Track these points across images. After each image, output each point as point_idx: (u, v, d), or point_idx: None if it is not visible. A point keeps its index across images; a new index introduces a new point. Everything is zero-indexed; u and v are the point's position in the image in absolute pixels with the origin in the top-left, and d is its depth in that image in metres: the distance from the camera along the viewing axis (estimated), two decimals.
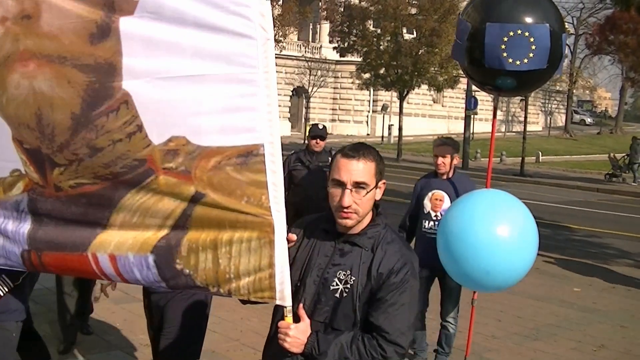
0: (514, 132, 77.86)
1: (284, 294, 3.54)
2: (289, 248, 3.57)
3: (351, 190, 3.54)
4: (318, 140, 10.24)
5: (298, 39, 69.23)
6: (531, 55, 6.51)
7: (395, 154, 47.50)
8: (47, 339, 7.00)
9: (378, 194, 3.68)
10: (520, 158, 42.11)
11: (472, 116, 46.96)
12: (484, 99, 74.44)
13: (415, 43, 44.11)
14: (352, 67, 54.96)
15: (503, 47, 6.53)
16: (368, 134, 71.51)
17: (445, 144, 7.87)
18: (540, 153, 53.35)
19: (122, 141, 3.59)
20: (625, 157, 41.48)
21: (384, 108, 64.99)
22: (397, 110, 49.36)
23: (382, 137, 64.28)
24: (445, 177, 7.88)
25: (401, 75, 44.36)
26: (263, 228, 3.49)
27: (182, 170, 3.53)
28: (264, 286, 3.52)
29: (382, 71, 45.61)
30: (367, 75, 48.50)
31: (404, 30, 46.09)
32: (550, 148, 60.79)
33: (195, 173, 3.51)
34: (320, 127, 10.51)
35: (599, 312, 11.25)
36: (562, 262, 15.01)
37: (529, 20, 6.59)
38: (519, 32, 6.48)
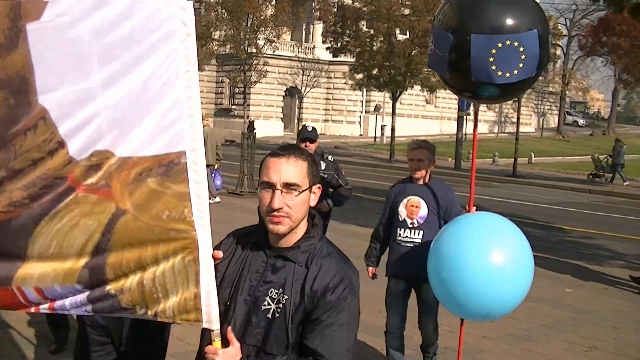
0: (506, 133, 77.95)
1: (210, 317, 3.26)
2: (217, 265, 3.32)
3: (282, 192, 3.24)
4: (307, 143, 9.72)
5: (291, 39, 69.26)
6: (521, 65, 6.00)
7: (387, 155, 47.64)
8: (38, 339, 6.98)
9: (312, 200, 3.39)
10: (513, 159, 42.19)
11: (464, 117, 46.96)
12: None
13: (408, 44, 44.17)
14: (345, 68, 55.01)
15: (491, 59, 5.93)
16: (361, 135, 71.55)
17: (420, 147, 7.44)
18: (532, 154, 53.41)
19: (43, 160, 3.25)
20: (608, 158, 41.88)
21: (377, 109, 65.03)
22: (390, 110, 49.39)
23: (375, 137, 64.34)
24: (421, 182, 7.41)
25: (394, 76, 44.40)
26: (186, 245, 3.22)
27: (102, 185, 3.24)
28: (189, 307, 3.24)
29: (375, 72, 45.67)
30: (360, 76, 48.53)
31: (397, 31, 46.14)
32: (543, 149, 60.86)
33: (116, 187, 3.23)
34: (310, 129, 10.03)
35: (591, 313, 11.26)
36: (554, 263, 15.01)
37: (517, 28, 5.98)
38: (508, 42, 5.92)
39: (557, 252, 16.46)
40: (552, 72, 68.13)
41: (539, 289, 12.35)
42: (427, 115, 75.49)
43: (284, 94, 69.48)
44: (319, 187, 3.42)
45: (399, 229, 7.35)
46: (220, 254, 3.35)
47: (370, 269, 7.76)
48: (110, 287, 3.25)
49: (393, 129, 47.63)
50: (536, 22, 6.05)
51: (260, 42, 50.56)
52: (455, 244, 6.18)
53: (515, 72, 5.93)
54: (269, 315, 3.29)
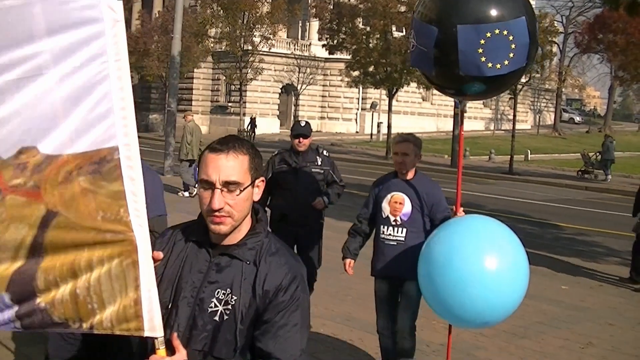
0: (502, 130, 78.00)
1: (153, 323, 2.97)
2: (155, 267, 3.01)
3: (222, 191, 3.02)
4: (301, 139, 9.19)
5: (287, 37, 69.27)
6: (512, 55, 5.66)
7: (384, 152, 47.68)
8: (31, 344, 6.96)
9: (256, 194, 3.19)
10: (509, 156, 42.23)
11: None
12: None
13: (404, 41, 44.09)
14: (342, 65, 55.12)
15: (480, 50, 5.58)
16: (357, 132, 71.55)
17: (406, 140, 7.09)
18: (529, 151, 53.45)
19: None
20: (597, 154, 42.10)
21: (373, 106, 65.00)
22: (386, 108, 49.41)
23: (371, 134, 64.32)
24: (406, 177, 7.09)
25: (390, 73, 44.41)
26: (124, 247, 2.93)
27: (31, 187, 2.99)
28: (129, 315, 2.94)
29: (371, 69, 45.67)
30: (356, 73, 48.54)
31: (394, 28, 46.17)
32: (539, 146, 60.91)
33: (46, 188, 2.97)
34: (303, 124, 9.44)
35: (587, 310, 11.27)
36: (550, 260, 15.02)
37: (505, 16, 5.62)
38: (497, 31, 5.57)
39: (553, 249, 16.46)
40: (548, 69, 68.07)
41: (535, 286, 12.33)
42: (423, 112, 75.47)
43: (280, 91, 69.43)
44: (262, 181, 3.21)
45: (382, 226, 7.10)
46: (160, 254, 3.05)
47: (347, 260, 7.37)
48: (41, 300, 2.97)
49: (389, 126, 47.64)
50: (523, 10, 5.77)
51: (256, 39, 50.58)
52: (452, 249, 5.87)
53: (506, 62, 5.65)
54: (216, 318, 3.10)
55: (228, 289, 3.11)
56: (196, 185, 22.43)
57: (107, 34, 2.90)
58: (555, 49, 62.54)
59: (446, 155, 47.15)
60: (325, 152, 9.58)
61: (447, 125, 64.94)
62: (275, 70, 65.19)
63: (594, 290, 12.71)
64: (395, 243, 6.97)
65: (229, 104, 67.96)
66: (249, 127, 60.39)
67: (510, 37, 5.64)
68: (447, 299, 5.78)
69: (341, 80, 58.86)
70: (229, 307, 3.09)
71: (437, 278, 5.83)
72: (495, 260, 5.69)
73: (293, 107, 68.54)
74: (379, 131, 62.99)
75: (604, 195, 32.71)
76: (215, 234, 3.14)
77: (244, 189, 3.06)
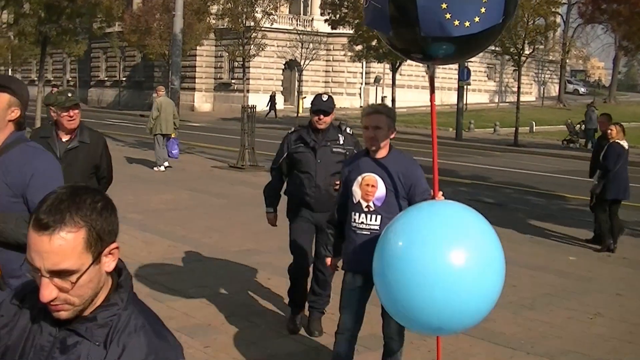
0: (507, 102, 77.77)
1: None
2: None
3: (52, 279, 2.29)
4: (321, 116, 7.96)
5: (289, 12, 69.04)
6: (483, 10, 4.69)
7: None
8: None
9: (108, 264, 2.48)
10: (514, 128, 42.09)
11: (465, 87, 46.91)
12: (477, 69, 74.43)
13: None
14: (344, 40, 54.93)
15: (444, 6, 4.63)
16: (361, 106, 71.13)
17: (377, 111, 6.02)
18: (534, 123, 53.35)
19: None
20: (582, 123, 42.83)
21: (377, 80, 64.85)
22: (390, 82, 49.27)
23: None
24: (378, 155, 6.03)
25: None
26: None
27: None
28: None
29: (374, 43, 45.41)
30: (359, 48, 48.41)
31: None
32: (543, 118, 60.73)
33: None
34: (325, 98, 8.08)
35: (594, 280, 11.25)
36: (557, 232, 15.00)
37: None
38: None
39: (559, 220, 16.43)
40: (552, 40, 67.75)
41: (542, 258, 12.37)
42: (427, 86, 73.37)
43: (283, 67, 69.31)
44: (116, 247, 2.54)
45: (353, 214, 6.05)
46: None
47: (327, 259, 6.51)
48: None
49: (393, 100, 47.45)
50: None
51: (258, 15, 50.33)
52: (406, 239, 4.90)
53: (477, 19, 4.70)
54: None
55: None
56: (175, 158, 23.56)
57: None
58: (558, 19, 62.21)
59: (451, 129, 47.02)
60: (348, 130, 8.37)
61: (452, 98, 64.64)
62: (278, 46, 65.00)
63: (601, 261, 12.69)
64: (369, 232, 5.92)
65: (232, 81, 67.86)
66: (269, 104, 60.30)
67: None
68: (399, 298, 4.83)
69: (344, 55, 58.88)
70: None
71: (389, 273, 4.88)
72: (462, 257, 4.71)
73: (297, 83, 68.38)
74: None
75: None
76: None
77: (82, 274, 2.33)
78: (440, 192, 5.66)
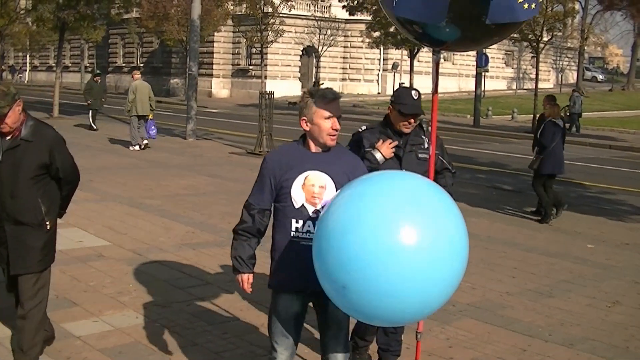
0: (525, 89, 77.44)
1: None
2: None
3: None
4: (411, 119, 6.41)
5: None
6: None
7: None
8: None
9: None
10: (532, 115, 41.94)
11: (483, 74, 46.78)
12: (495, 56, 74.16)
13: None
14: (362, 26, 54.77)
15: None
16: (379, 93, 71.22)
17: (338, 97, 5.06)
18: None
19: None
20: (566, 108, 42.89)
21: (395, 66, 64.72)
22: (408, 68, 49.17)
23: None
24: (318, 149, 5.04)
25: None
26: None
27: None
28: None
29: (392, 29, 45.30)
30: (377, 34, 48.33)
31: None
32: (561, 105, 60.48)
33: None
34: (415, 96, 6.41)
35: (612, 268, 11.22)
36: (575, 219, 14.97)
37: None
38: None
39: (577, 207, 16.38)
40: (570, 27, 67.39)
41: (560, 245, 12.35)
42: (445, 72, 74.84)
43: (301, 53, 69.17)
44: None
45: (293, 221, 4.93)
46: None
47: (245, 276, 5.13)
48: None
49: (411, 87, 47.33)
50: None
51: (276, 1, 50.22)
52: (351, 214, 4.21)
53: (533, 5, 4.61)
54: None
55: None
56: (152, 138, 25.01)
57: None
58: (577, 6, 61.85)
59: (468, 115, 46.91)
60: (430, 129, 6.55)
61: (469, 85, 64.45)
62: (295, 33, 64.83)
63: (619, 248, 12.65)
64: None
65: (250, 67, 67.81)
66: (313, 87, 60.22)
67: None
68: (339, 281, 4.19)
69: (362, 42, 58.67)
70: None
71: (329, 253, 4.23)
72: (414, 234, 4.04)
73: (314, 69, 68.31)
74: None
75: (628, 154, 32.49)
76: None
77: None
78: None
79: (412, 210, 4.14)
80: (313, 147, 5.02)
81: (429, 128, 6.39)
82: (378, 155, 6.34)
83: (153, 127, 25.32)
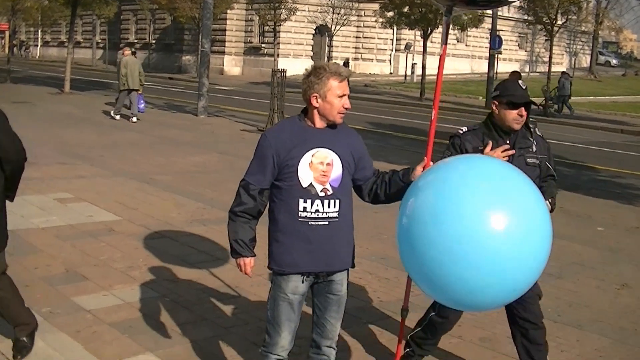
0: (537, 72, 77.17)
1: None
2: None
3: None
4: (522, 110, 5.75)
5: None
6: None
7: (418, 93, 47.48)
8: None
9: None
10: (544, 99, 41.86)
11: (496, 56, 46.62)
12: (509, 38, 73.87)
13: None
14: (376, 6, 54.67)
15: None
16: (391, 73, 71.13)
17: (349, 76, 5.01)
18: None
19: None
20: (555, 89, 43.22)
21: (408, 47, 64.50)
22: (421, 49, 48.99)
23: (405, 76, 63.91)
24: (323, 125, 4.92)
25: (425, 14, 43.82)
26: None
27: None
28: None
29: (406, 9, 45.15)
30: (390, 14, 48.09)
31: None
32: (574, 89, 60.09)
33: None
34: (524, 86, 5.86)
35: (622, 251, 11.21)
36: (585, 202, 14.96)
37: None
38: None
39: (588, 191, 16.36)
40: (585, 11, 67.06)
41: (570, 228, 12.33)
42: (457, 54, 74.68)
43: (313, 32, 68.98)
44: None
45: (301, 201, 4.77)
46: None
47: (248, 260, 5.02)
48: None
49: (424, 67, 47.23)
50: None
51: None
52: (444, 202, 4.29)
53: None
54: None
55: None
56: (141, 112, 25.92)
57: None
58: None
59: (480, 97, 46.85)
60: (538, 131, 6.11)
61: (482, 66, 64.34)
62: (309, 11, 64.64)
63: (629, 232, 12.64)
64: (327, 222, 4.80)
65: (262, 45, 67.69)
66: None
67: None
68: (434, 272, 4.27)
69: (375, 21, 58.48)
70: None
71: (418, 241, 4.30)
72: (506, 220, 4.35)
73: (327, 48, 68.17)
74: (413, 72, 62.51)
75: None
76: None
77: None
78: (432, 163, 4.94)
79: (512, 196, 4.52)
80: (318, 123, 4.88)
81: (537, 129, 6.07)
82: None
83: (142, 101, 26.82)
